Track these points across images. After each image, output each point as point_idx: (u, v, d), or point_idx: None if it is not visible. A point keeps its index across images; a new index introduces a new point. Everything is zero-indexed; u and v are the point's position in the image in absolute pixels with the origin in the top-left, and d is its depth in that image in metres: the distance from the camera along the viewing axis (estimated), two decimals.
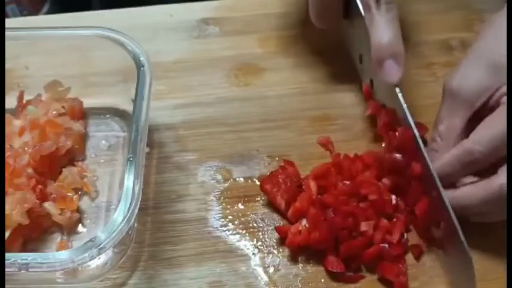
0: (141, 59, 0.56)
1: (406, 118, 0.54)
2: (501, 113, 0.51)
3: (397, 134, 0.55)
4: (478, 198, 0.51)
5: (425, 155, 0.53)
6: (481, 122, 0.52)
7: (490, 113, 0.52)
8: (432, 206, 0.53)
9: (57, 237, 0.56)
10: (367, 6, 0.57)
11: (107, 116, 0.63)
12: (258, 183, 0.59)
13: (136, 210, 0.49)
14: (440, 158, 0.54)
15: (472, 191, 0.51)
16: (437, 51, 0.69)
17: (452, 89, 0.54)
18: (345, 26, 0.64)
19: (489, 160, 0.51)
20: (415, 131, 0.54)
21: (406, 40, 0.69)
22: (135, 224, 0.56)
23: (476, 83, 0.53)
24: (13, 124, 0.59)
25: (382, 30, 0.55)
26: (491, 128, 0.51)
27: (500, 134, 0.50)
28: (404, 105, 0.55)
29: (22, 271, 0.46)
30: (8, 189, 0.53)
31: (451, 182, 0.53)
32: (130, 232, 0.54)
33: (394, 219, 0.56)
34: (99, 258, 0.50)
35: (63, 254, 0.47)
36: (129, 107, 0.57)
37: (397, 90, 0.55)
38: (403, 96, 0.55)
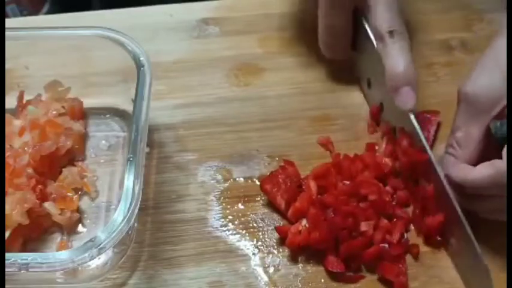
0: (141, 59, 0.56)
1: (422, 142, 0.55)
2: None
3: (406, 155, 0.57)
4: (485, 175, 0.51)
5: (442, 178, 0.53)
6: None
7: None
8: (447, 221, 0.54)
9: (57, 237, 0.56)
10: (379, 37, 0.58)
11: (107, 116, 0.63)
12: (258, 183, 0.59)
13: (136, 210, 0.49)
14: (460, 165, 0.53)
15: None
16: (438, 51, 0.69)
17: (468, 94, 0.53)
18: (353, 54, 0.65)
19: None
20: (431, 155, 0.54)
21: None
22: (135, 224, 0.56)
23: (492, 90, 0.52)
24: (13, 124, 0.59)
25: (397, 59, 0.56)
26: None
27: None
28: (419, 131, 0.55)
29: (22, 271, 0.46)
30: (8, 189, 0.53)
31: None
32: (130, 232, 0.54)
33: (394, 219, 0.56)
34: (99, 258, 0.50)
35: (63, 254, 0.47)
36: (129, 107, 0.57)
37: (411, 115, 0.56)
38: (417, 121, 0.56)
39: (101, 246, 0.47)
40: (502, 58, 0.52)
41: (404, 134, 0.57)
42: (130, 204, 0.49)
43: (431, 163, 0.54)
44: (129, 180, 0.50)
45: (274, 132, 0.63)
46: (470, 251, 0.51)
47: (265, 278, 0.54)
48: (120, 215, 0.48)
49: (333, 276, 0.54)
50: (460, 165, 0.53)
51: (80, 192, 0.58)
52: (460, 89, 0.54)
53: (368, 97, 0.65)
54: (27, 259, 0.46)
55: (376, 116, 0.63)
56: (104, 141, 0.62)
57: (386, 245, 0.54)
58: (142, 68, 0.56)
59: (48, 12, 1.11)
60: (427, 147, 0.54)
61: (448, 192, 0.53)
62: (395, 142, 0.59)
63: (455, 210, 0.52)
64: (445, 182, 0.53)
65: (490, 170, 0.50)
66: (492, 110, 0.52)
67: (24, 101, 0.61)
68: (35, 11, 1.11)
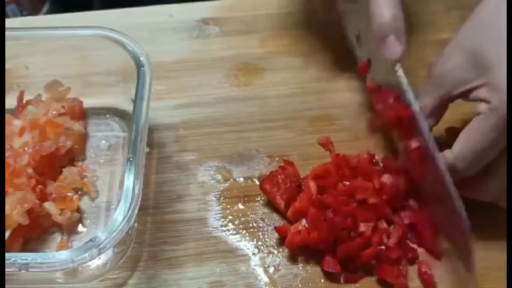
0: (141, 59, 0.56)
1: (405, 94, 0.54)
2: (479, 123, 0.50)
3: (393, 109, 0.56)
4: None
5: (427, 131, 0.53)
6: (461, 132, 0.52)
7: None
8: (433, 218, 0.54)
9: (57, 237, 0.56)
10: None
11: (107, 116, 0.63)
12: (258, 183, 0.59)
13: (137, 210, 0.49)
14: None
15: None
16: (438, 51, 0.69)
17: (434, 71, 0.54)
18: (342, 8, 0.64)
19: (474, 169, 0.52)
20: (416, 106, 0.54)
21: (407, 40, 0.70)
22: (135, 224, 0.56)
23: (454, 71, 0.53)
24: (13, 124, 0.59)
25: (384, 7, 0.55)
26: (471, 141, 0.51)
27: (480, 147, 0.50)
28: (406, 83, 0.54)
29: (22, 271, 0.46)
30: (8, 189, 0.53)
31: None
32: (130, 232, 0.54)
33: (394, 224, 0.56)
34: (99, 258, 0.50)
35: (63, 254, 0.47)
36: (129, 107, 0.57)
37: (398, 66, 0.55)
38: (404, 73, 0.55)
39: (101, 246, 0.47)
40: (468, 39, 0.53)
41: (391, 88, 0.57)
42: (131, 204, 0.49)
43: (417, 119, 0.53)
44: (129, 180, 0.50)
45: (274, 132, 0.63)
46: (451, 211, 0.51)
47: (265, 278, 0.54)
48: (120, 215, 0.48)
49: (333, 276, 0.54)
50: None
51: (80, 192, 0.58)
52: (431, 65, 0.55)
53: (357, 53, 0.64)
54: (27, 259, 0.46)
55: (364, 72, 0.62)
56: (104, 141, 0.62)
57: (384, 247, 0.54)
58: (142, 68, 0.56)
59: (48, 12, 1.11)
60: (413, 102, 0.54)
61: (433, 150, 0.52)
62: (381, 99, 0.58)
63: (439, 169, 0.51)
64: (429, 138, 0.53)
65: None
66: (453, 89, 0.53)
67: (24, 101, 0.61)
68: (35, 11, 1.11)
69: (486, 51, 0.51)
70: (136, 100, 0.54)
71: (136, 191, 0.49)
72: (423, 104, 0.54)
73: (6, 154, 0.55)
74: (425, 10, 0.73)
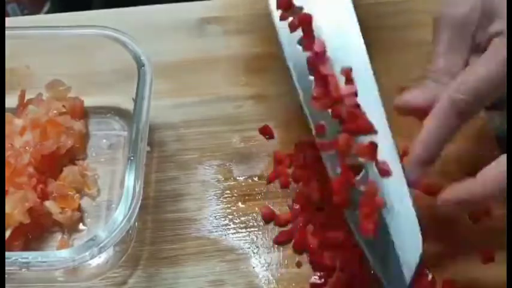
0: (142, 58, 0.56)
1: None
2: (486, 56, 0.47)
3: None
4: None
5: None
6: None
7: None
8: None
9: (58, 236, 0.56)
10: None
11: (108, 115, 0.64)
12: (258, 181, 0.59)
13: (137, 209, 0.49)
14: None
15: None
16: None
17: (449, 16, 0.51)
18: None
19: (475, 110, 0.48)
20: None
21: (407, 39, 0.70)
22: (136, 223, 0.56)
23: (471, 8, 0.50)
24: (14, 123, 0.59)
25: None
26: (474, 73, 0.47)
27: (483, 79, 0.46)
28: None
29: (23, 270, 0.47)
30: (9, 189, 0.53)
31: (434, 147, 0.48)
32: (130, 231, 0.54)
33: None
34: (99, 257, 0.50)
35: (64, 253, 0.47)
36: (129, 106, 0.58)
37: None
38: None
39: (101, 245, 0.47)
40: None
41: None
42: (131, 203, 0.49)
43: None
44: (129, 179, 0.50)
45: (275, 132, 0.63)
46: None
47: (266, 277, 0.54)
48: (120, 214, 0.48)
49: None
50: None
51: (81, 191, 0.58)
52: (442, 13, 0.51)
53: None
54: (28, 258, 0.46)
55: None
56: (104, 140, 0.62)
57: None
58: (142, 67, 0.56)
59: (49, 12, 1.11)
60: None
61: None
62: None
63: None
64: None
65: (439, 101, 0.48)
66: (472, 28, 0.50)
67: (25, 101, 0.61)
68: (35, 10, 1.10)
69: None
70: (137, 99, 0.54)
71: (136, 190, 0.50)
72: (455, 58, 0.50)
73: (7, 153, 0.55)
74: (426, 8, 0.73)
